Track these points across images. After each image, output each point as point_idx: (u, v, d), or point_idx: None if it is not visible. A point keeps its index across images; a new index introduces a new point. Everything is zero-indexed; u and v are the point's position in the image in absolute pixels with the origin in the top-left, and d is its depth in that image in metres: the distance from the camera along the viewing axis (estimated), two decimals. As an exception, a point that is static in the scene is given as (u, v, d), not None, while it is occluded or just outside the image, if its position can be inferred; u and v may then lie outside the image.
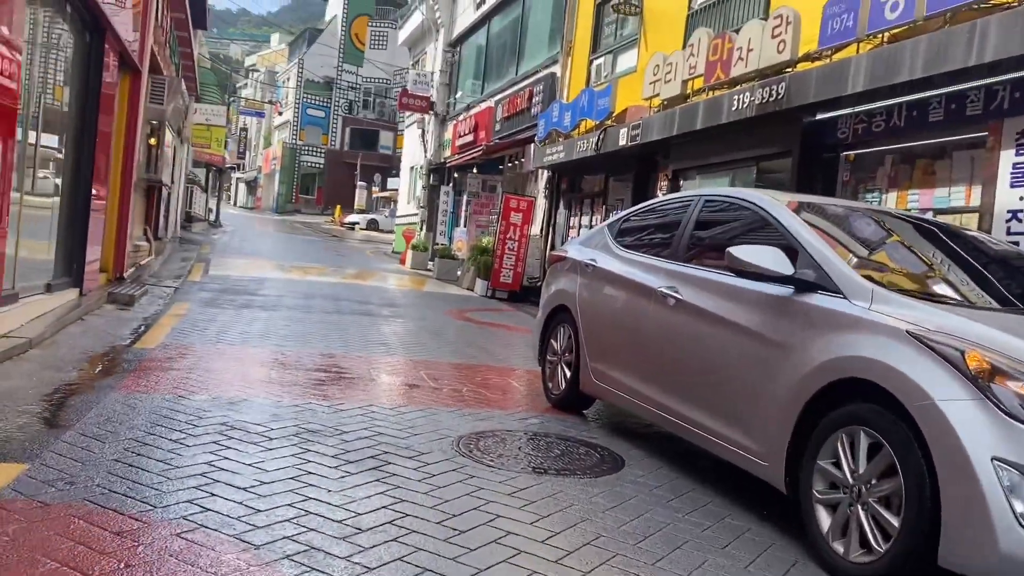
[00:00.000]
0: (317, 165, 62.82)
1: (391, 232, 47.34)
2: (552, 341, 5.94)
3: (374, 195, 57.84)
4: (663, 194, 11.64)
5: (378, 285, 15.32)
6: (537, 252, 15.61)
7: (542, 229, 15.74)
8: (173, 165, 19.78)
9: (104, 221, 9.37)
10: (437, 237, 23.24)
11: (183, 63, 16.19)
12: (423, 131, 24.97)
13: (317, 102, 62.66)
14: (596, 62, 14.35)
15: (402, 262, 23.40)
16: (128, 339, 6.78)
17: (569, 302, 5.70)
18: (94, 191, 8.18)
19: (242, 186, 74.73)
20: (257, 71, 68.68)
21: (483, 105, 20.47)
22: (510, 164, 18.57)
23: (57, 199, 7.57)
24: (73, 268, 7.99)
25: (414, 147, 27.22)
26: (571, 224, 14.92)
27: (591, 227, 14.15)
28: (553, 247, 15.50)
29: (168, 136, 14.54)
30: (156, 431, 4.12)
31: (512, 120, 17.81)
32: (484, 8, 21.09)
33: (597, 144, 12.43)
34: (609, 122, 12.59)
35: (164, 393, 4.95)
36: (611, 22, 14.23)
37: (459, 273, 18.00)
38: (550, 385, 5.90)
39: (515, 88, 18.12)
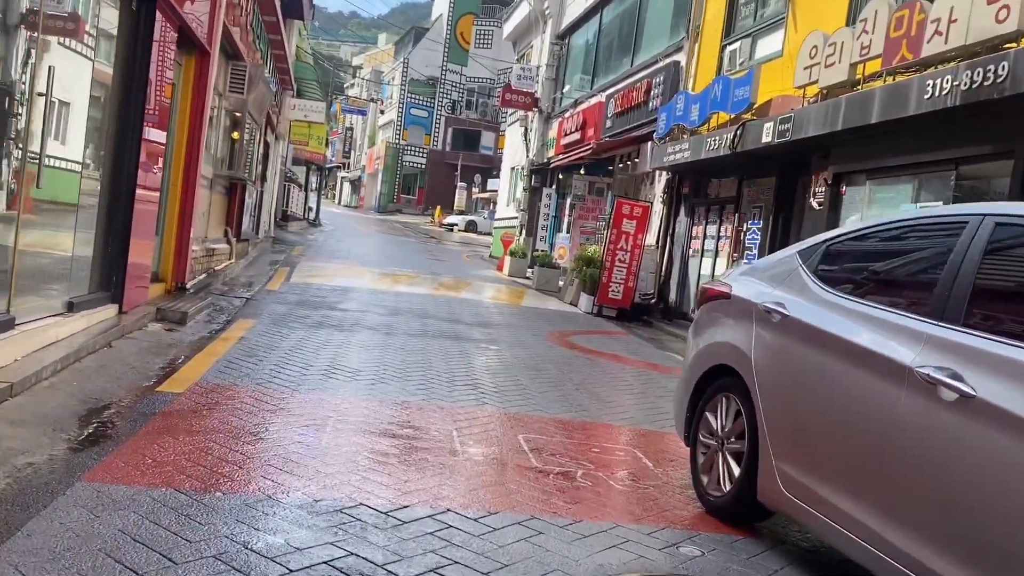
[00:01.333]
0: (419, 165, 62.47)
1: (489, 234, 46.15)
2: (708, 415, 4.16)
3: (474, 196, 56.94)
4: (817, 203, 9.63)
5: (472, 298, 13.81)
6: (651, 265, 13.75)
7: (658, 239, 13.87)
8: (265, 161, 18.92)
9: (159, 221, 8.15)
10: (537, 243, 21.64)
11: (273, 52, 15.13)
12: (526, 129, 23.42)
13: (421, 102, 62.29)
14: (730, 48, 12.39)
15: (499, 268, 21.93)
16: (155, 377, 5.39)
17: (739, 364, 3.91)
18: (140, 183, 6.90)
19: (347, 185, 75.39)
20: (363, 69, 68.97)
21: (592, 100, 18.72)
22: (621, 165, 16.76)
23: (85, 192, 6.30)
24: (112, 279, 6.73)
25: (516, 146, 25.72)
26: (693, 234, 13.00)
27: (718, 238, 12.22)
28: (671, 260, 13.61)
29: (253, 128, 13.45)
30: (103, 572, 2.59)
31: (625, 116, 16.00)
32: (597, -5, 19.33)
33: (733, 141, 10.50)
34: (748, 115, 10.65)
35: (154, 484, 3.45)
36: (749, 0, 12.23)
37: (561, 284, 16.32)
38: (704, 480, 4.12)
39: (630, 81, 16.30)
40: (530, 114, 23.17)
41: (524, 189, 23.24)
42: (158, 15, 6.80)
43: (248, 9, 10.93)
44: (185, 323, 7.49)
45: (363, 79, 70.26)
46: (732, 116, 11.04)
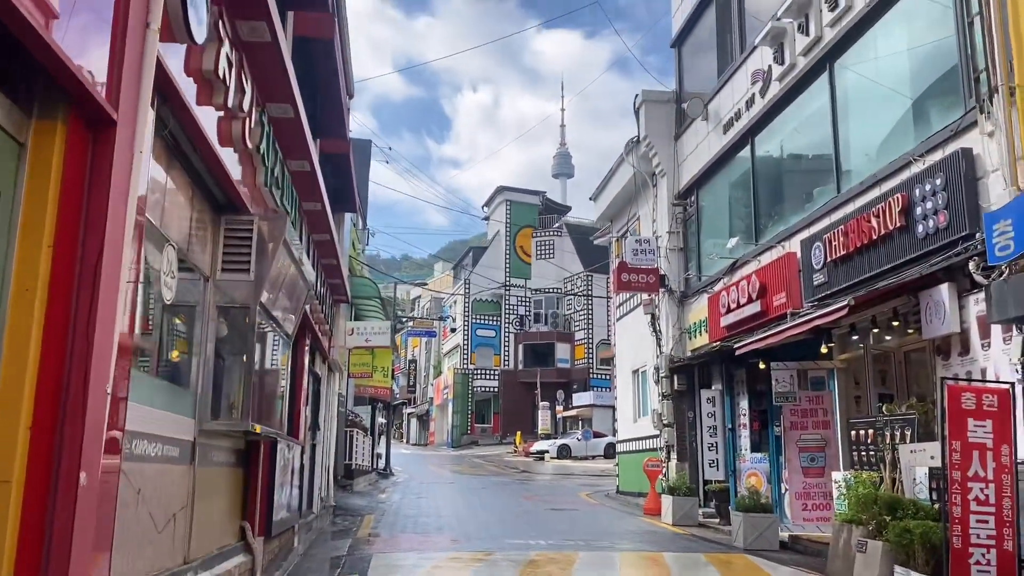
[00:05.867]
0: (491, 389, 57.10)
1: (588, 459, 39.14)
2: None
3: (559, 415, 50.64)
4: None
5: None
6: (1030, 501, 7.29)
7: (1030, 450, 7.50)
8: (316, 400, 13.41)
9: None
10: (706, 469, 15.23)
11: (314, 238, 10.07)
12: (653, 317, 17.79)
13: (486, 322, 58.26)
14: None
15: (650, 512, 15.38)
16: None
17: None
18: None
19: (414, 421, 70.02)
20: (421, 298, 66.18)
21: (765, 258, 13.15)
22: (854, 337, 10.75)
23: None
24: None
25: (636, 342, 19.96)
26: None
27: None
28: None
29: (281, 341, 7.96)
30: None
31: (856, 260, 10.24)
32: (739, 126, 14.38)
33: None
34: None
35: None
36: None
37: (793, 533, 9.78)
38: None
39: (847, 211, 10.72)
40: (656, 297, 17.66)
41: (663, 395, 17.16)
42: None
43: (248, 112, 5.72)
44: None
45: (423, 308, 67.13)
46: None
